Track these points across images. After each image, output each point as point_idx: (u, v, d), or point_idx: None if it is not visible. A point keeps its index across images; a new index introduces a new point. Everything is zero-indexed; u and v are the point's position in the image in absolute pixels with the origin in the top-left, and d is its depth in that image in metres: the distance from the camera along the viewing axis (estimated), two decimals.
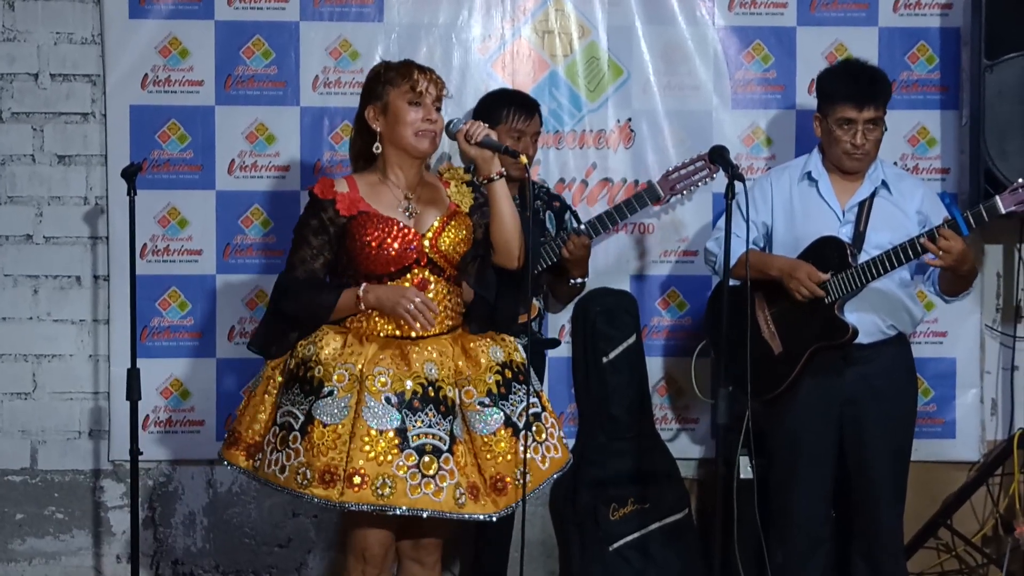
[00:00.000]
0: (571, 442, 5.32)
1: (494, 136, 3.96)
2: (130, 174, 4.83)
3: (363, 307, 3.97)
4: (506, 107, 4.93)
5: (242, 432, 4.09)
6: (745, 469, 4.88)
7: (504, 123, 4.89)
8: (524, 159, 3.92)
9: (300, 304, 4.02)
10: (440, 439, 3.90)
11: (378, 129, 4.06)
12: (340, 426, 3.86)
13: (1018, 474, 5.33)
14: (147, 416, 5.39)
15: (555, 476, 4.11)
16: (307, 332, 4.03)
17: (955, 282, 4.61)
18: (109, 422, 5.45)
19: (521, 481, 3.97)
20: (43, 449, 5.49)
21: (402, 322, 3.98)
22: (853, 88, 4.62)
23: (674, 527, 5.36)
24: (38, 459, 5.50)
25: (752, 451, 4.66)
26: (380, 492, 3.82)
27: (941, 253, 4.36)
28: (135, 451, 4.88)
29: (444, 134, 4.06)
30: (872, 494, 4.68)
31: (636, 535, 5.32)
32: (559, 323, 5.47)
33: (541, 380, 5.20)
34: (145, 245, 5.38)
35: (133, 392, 4.86)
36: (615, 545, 5.29)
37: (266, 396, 4.08)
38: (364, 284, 3.98)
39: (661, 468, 5.38)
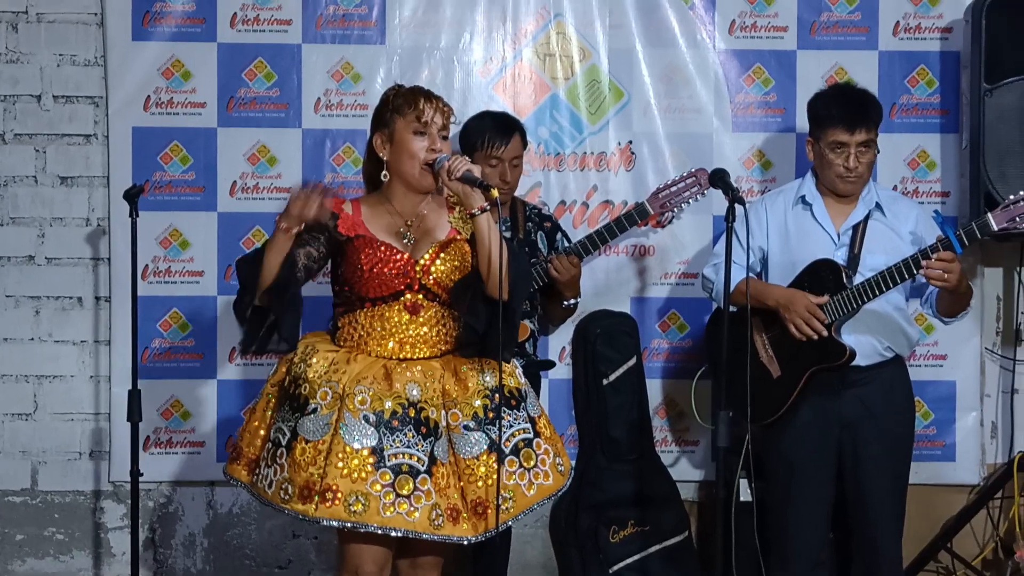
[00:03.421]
0: (572, 466, 5.32)
1: (476, 170, 3.96)
2: (132, 195, 4.86)
3: (283, 227, 3.90)
4: (482, 135, 4.93)
5: (244, 448, 4.12)
6: (745, 492, 4.88)
7: (480, 150, 4.89)
8: (495, 193, 3.90)
9: (250, 262, 4.00)
10: (418, 460, 3.90)
11: (385, 158, 4.07)
12: (320, 442, 3.89)
13: (1018, 497, 5.33)
14: (148, 437, 5.39)
15: (543, 503, 4.08)
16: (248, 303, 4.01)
17: (953, 302, 4.62)
18: (110, 443, 5.46)
19: (504, 507, 3.97)
20: (44, 470, 5.50)
21: (390, 343, 4.01)
22: (844, 111, 4.63)
23: (674, 550, 5.35)
24: (39, 480, 5.50)
25: (752, 474, 4.66)
26: (352, 509, 3.84)
27: (946, 276, 4.37)
28: (135, 472, 4.90)
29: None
30: (871, 516, 4.67)
31: (636, 557, 5.31)
32: (559, 344, 5.48)
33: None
34: (147, 266, 5.39)
35: (134, 413, 4.88)
36: (615, 567, 5.29)
37: (266, 413, 4.10)
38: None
39: (661, 490, 5.38)
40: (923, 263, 4.38)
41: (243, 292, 4.06)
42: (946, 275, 4.37)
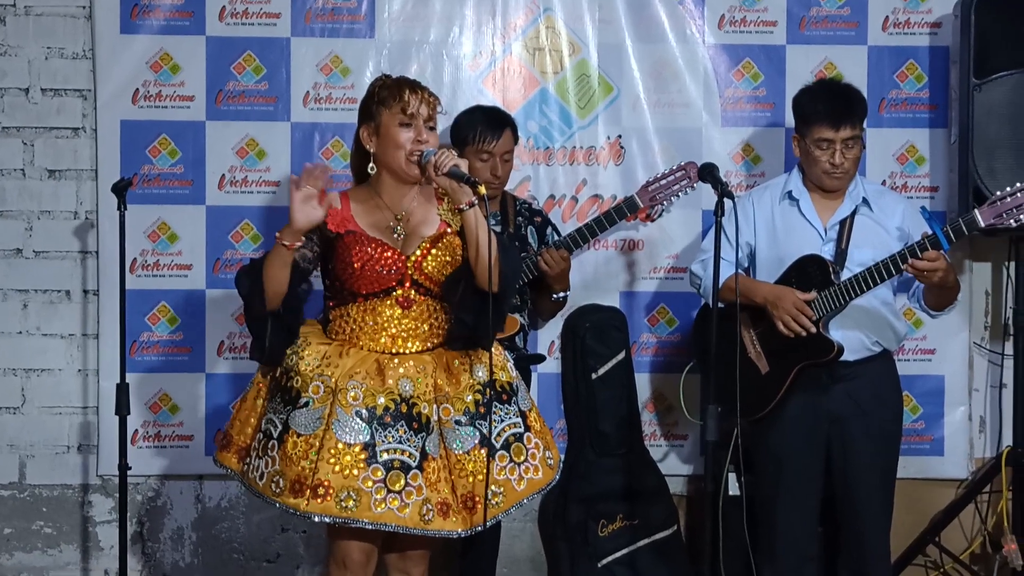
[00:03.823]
0: (561, 459, 5.32)
1: (462, 165, 3.95)
2: (120, 189, 4.85)
3: (287, 242, 3.89)
4: (473, 128, 4.93)
5: (234, 436, 4.14)
6: (733, 486, 4.89)
7: (471, 144, 4.90)
8: (482, 189, 3.90)
9: (250, 276, 3.99)
10: (409, 455, 3.91)
11: (372, 150, 4.06)
12: (312, 436, 3.90)
13: (1006, 491, 5.34)
14: (136, 431, 5.39)
15: (532, 497, 4.10)
16: (261, 316, 3.99)
17: (941, 296, 4.63)
18: (98, 437, 5.45)
19: (494, 501, 3.98)
20: (31, 463, 5.49)
21: (383, 338, 4.00)
22: (828, 108, 4.63)
23: (663, 544, 5.35)
24: (26, 473, 5.49)
25: (740, 468, 4.67)
26: (344, 504, 3.85)
27: (926, 274, 4.39)
28: (124, 466, 4.90)
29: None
30: (859, 511, 4.68)
31: (625, 551, 5.32)
32: (548, 339, 5.48)
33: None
34: (135, 260, 5.38)
35: (122, 407, 4.87)
36: (604, 561, 5.29)
37: (257, 401, 4.11)
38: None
39: (650, 484, 5.38)
40: (909, 260, 4.40)
41: (252, 311, 4.02)
42: (935, 273, 4.39)
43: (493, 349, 4.07)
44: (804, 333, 4.55)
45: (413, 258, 4.02)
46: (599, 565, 5.29)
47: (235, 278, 4.07)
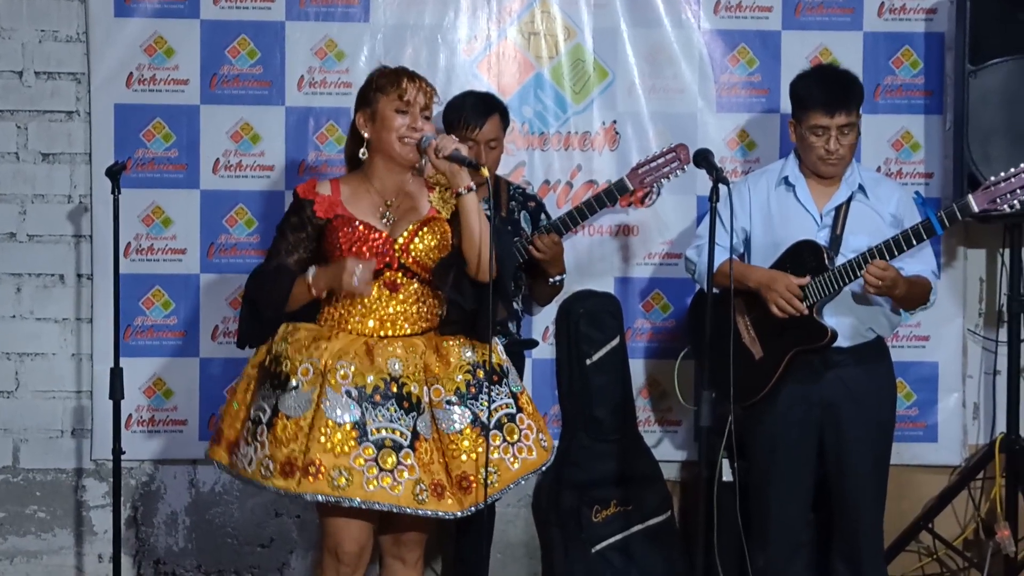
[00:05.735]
0: (554, 443, 5.32)
1: (463, 149, 3.96)
2: (114, 173, 4.84)
3: (315, 293, 4.00)
4: (459, 114, 4.91)
5: (225, 430, 4.14)
6: (727, 472, 4.89)
7: (456, 130, 4.87)
8: (485, 172, 3.90)
9: (263, 291, 4.07)
10: (401, 434, 3.93)
11: (367, 135, 4.08)
12: (302, 419, 3.91)
13: (1000, 478, 5.34)
14: (130, 415, 5.38)
15: (527, 477, 4.11)
16: (273, 323, 4.08)
17: (898, 303, 4.66)
18: (92, 421, 5.44)
19: (489, 480, 3.99)
20: (25, 448, 5.48)
21: (371, 322, 4.03)
22: (825, 95, 4.62)
23: (657, 529, 5.36)
24: (20, 458, 5.49)
25: (734, 454, 4.67)
26: (336, 483, 3.86)
27: (879, 284, 4.43)
28: (118, 450, 4.90)
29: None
30: (852, 497, 4.69)
31: (619, 537, 5.32)
32: (543, 324, 5.47)
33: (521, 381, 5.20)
34: (129, 244, 5.37)
35: (116, 391, 4.87)
36: (598, 547, 5.30)
37: (247, 394, 4.12)
38: (311, 269, 4.01)
39: (644, 470, 5.39)
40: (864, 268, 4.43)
41: (259, 316, 4.11)
42: (879, 282, 4.42)
43: None
44: (796, 314, 4.55)
45: (400, 240, 4.03)
46: (593, 551, 5.29)
47: (248, 278, 4.13)
